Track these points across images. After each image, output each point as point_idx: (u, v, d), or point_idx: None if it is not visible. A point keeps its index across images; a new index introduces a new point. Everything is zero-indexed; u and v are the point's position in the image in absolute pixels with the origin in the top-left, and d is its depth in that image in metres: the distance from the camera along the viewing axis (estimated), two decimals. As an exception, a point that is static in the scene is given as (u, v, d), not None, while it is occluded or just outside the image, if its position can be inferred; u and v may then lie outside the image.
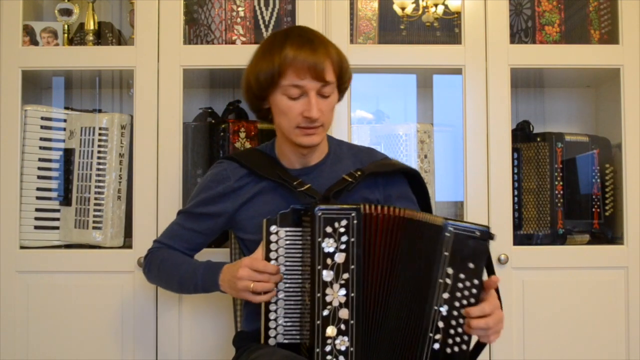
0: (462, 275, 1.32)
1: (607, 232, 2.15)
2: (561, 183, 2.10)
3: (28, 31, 2.09)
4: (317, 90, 1.47)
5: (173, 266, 1.57)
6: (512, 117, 2.07)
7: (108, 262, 2.00)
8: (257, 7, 2.12)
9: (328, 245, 1.32)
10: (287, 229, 1.40)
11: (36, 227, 2.05)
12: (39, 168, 2.06)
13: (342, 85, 1.55)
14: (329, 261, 1.32)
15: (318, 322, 1.31)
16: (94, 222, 2.02)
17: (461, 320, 1.33)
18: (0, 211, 2.00)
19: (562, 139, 2.12)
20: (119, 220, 2.04)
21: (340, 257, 1.32)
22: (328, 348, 1.31)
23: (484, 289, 1.34)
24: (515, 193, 2.12)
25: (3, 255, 1.99)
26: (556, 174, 2.10)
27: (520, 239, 2.11)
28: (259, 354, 1.38)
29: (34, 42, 2.10)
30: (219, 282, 1.48)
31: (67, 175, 2.06)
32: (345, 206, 1.34)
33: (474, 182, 2.03)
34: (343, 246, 1.32)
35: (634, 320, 2.02)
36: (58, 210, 2.08)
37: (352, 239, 1.32)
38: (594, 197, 2.14)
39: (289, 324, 1.40)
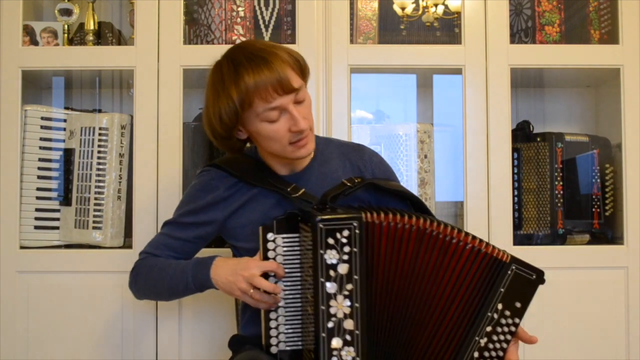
0: (507, 312, 1.35)
1: (607, 232, 2.15)
2: (561, 183, 2.10)
3: (28, 31, 2.09)
4: (293, 100, 1.41)
5: (161, 270, 1.49)
6: (512, 117, 2.07)
7: (108, 262, 2.00)
8: (257, 7, 2.12)
9: (330, 257, 1.28)
10: (284, 235, 1.38)
11: (36, 227, 2.05)
12: (39, 168, 2.06)
13: (305, 78, 1.47)
14: (332, 273, 1.28)
15: (323, 334, 1.28)
16: (94, 222, 2.02)
17: (493, 354, 1.35)
18: (0, 211, 2.00)
19: (562, 139, 2.12)
20: (119, 220, 2.04)
21: (343, 268, 1.28)
22: (334, 359, 1.29)
23: (517, 333, 1.37)
24: (515, 193, 2.12)
25: (3, 255, 1.99)
26: (556, 174, 2.10)
27: (520, 239, 2.11)
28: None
29: (34, 42, 2.10)
30: (211, 275, 1.42)
31: (67, 175, 2.06)
32: (346, 216, 1.29)
33: (474, 182, 2.03)
34: (346, 257, 1.28)
35: (634, 320, 2.02)
36: (58, 210, 2.08)
37: (355, 249, 1.28)
38: (594, 197, 2.14)
39: (290, 330, 1.38)
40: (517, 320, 1.36)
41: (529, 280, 1.36)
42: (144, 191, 2.00)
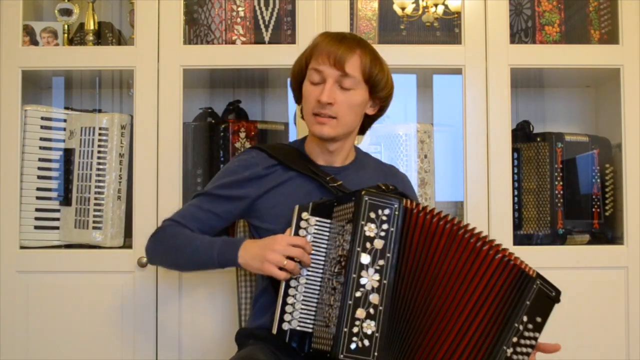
0: (530, 326, 1.39)
1: (607, 232, 2.15)
2: (561, 183, 2.10)
3: (28, 31, 2.09)
4: (336, 79, 1.52)
5: (186, 239, 1.53)
6: (512, 117, 2.07)
7: (108, 262, 2.00)
8: (257, 7, 2.12)
9: (369, 230, 1.35)
10: (318, 218, 1.43)
11: (36, 227, 2.05)
12: (39, 168, 2.06)
13: (376, 92, 1.59)
14: (368, 245, 1.35)
15: (350, 302, 1.32)
16: (94, 222, 2.02)
17: None
18: (0, 211, 2.00)
19: (562, 139, 2.12)
20: (119, 220, 2.04)
21: (379, 243, 1.35)
22: (355, 329, 1.32)
23: (537, 346, 1.41)
24: (515, 193, 2.12)
25: (3, 255, 1.99)
26: (556, 174, 2.10)
27: (520, 239, 2.11)
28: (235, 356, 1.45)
29: (34, 42, 2.10)
30: (239, 252, 1.46)
31: (67, 175, 2.06)
32: (390, 196, 1.38)
33: (474, 182, 2.03)
34: (383, 233, 1.35)
35: (634, 320, 2.02)
36: (58, 210, 2.08)
37: (392, 229, 1.35)
38: (594, 197, 2.14)
39: (304, 311, 1.41)
40: (537, 334, 1.39)
41: (549, 296, 1.41)
42: (144, 191, 2.00)
